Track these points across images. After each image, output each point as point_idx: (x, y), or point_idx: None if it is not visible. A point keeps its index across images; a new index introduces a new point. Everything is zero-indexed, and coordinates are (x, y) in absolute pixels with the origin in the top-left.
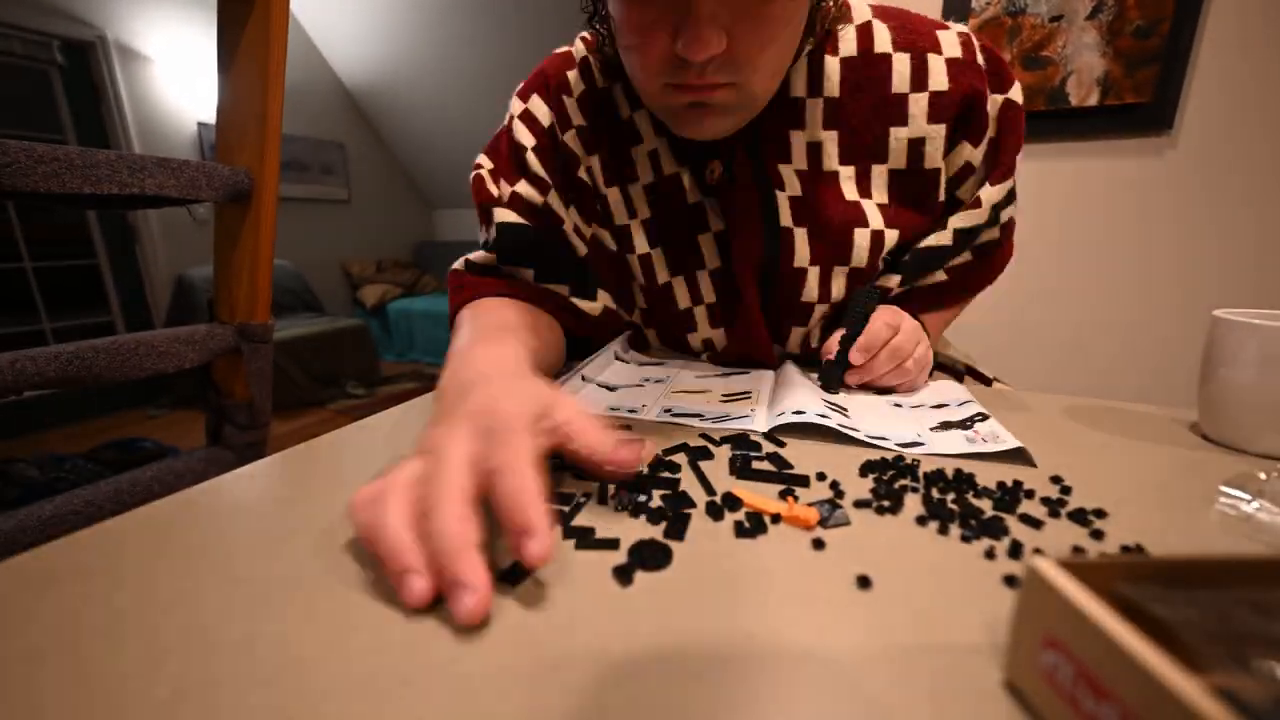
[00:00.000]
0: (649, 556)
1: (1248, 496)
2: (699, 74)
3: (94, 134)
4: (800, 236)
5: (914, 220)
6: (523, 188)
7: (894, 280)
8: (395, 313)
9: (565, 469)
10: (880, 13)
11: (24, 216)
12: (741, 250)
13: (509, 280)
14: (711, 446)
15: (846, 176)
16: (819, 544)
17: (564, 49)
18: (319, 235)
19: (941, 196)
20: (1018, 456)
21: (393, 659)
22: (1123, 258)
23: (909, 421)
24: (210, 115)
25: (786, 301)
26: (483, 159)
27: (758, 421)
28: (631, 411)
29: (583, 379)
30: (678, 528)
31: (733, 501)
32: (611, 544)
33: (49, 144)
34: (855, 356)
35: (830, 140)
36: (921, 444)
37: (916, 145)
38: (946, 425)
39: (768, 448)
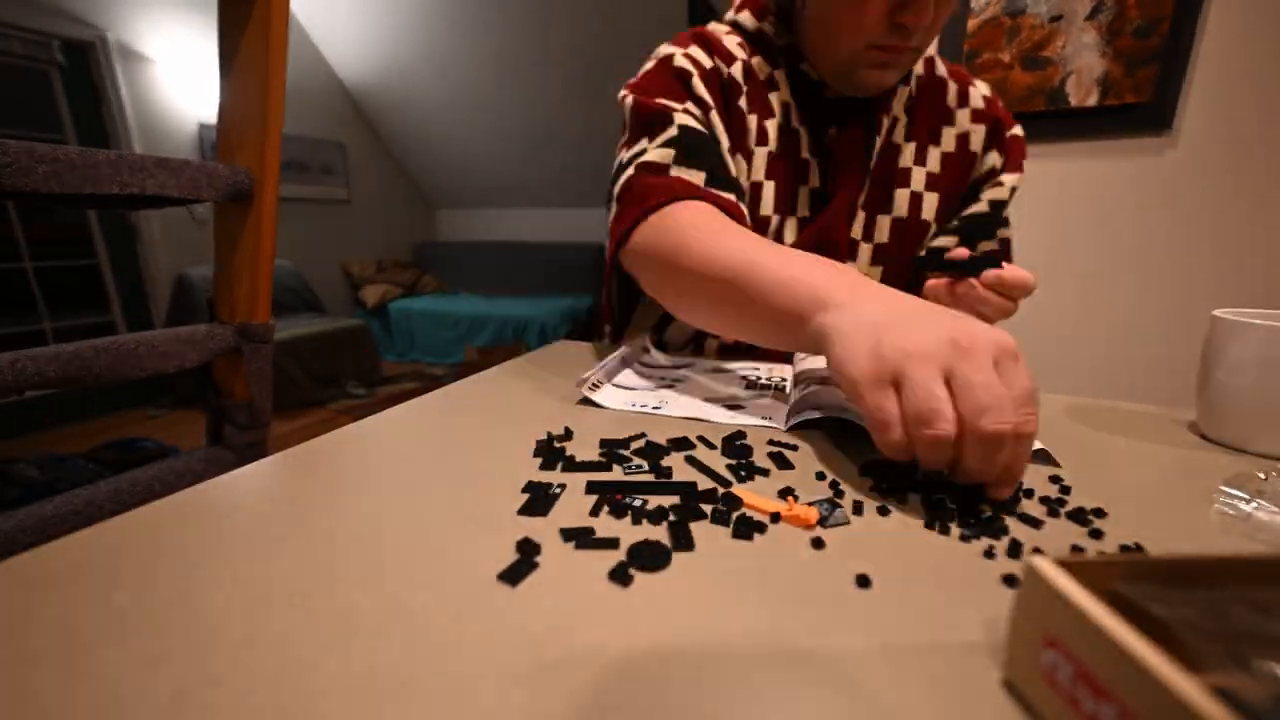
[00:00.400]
0: (648, 557)
1: (1247, 496)
2: (906, 37)
3: (94, 134)
4: (866, 185)
5: (953, 185)
6: (692, 106)
7: (951, 241)
8: (396, 313)
9: (552, 465)
10: (938, 55)
11: (24, 216)
12: (847, 189)
13: (697, 187)
14: (710, 447)
15: (908, 152)
16: (819, 544)
17: (699, 28)
18: (319, 235)
19: (971, 177)
20: (1040, 458)
21: (393, 659)
22: (1122, 257)
23: None
24: (210, 115)
25: (838, 238)
26: (629, 90)
27: (778, 419)
28: (656, 408)
29: (595, 384)
30: (683, 536)
31: (732, 501)
32: (611, 544)
33: (49, 144)
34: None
35: (902, 122)
36: None
37: (964, 137)
38: None
39: (769, 448)
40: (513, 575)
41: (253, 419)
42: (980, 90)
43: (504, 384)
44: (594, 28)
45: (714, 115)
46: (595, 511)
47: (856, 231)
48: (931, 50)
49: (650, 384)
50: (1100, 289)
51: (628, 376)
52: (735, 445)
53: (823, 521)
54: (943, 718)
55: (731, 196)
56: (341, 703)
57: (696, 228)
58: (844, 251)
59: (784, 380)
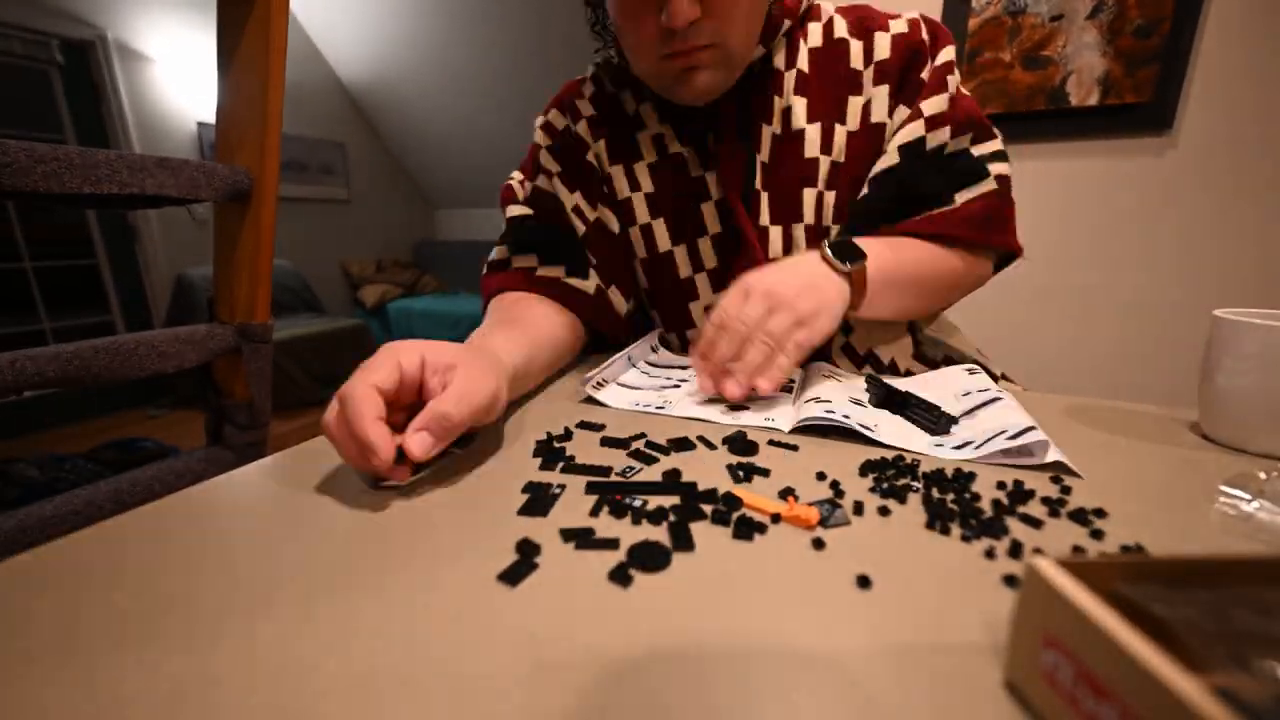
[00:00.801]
0: (648, 557)
1: (1248, 496)
2: (684, 39)
3: (94, 134)
4: (764, 200)
5: (860, 175)
6: (540, 180)
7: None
8: (395, 313)
9: (552, 465)
10: (841, 10)
11: (24, 216)
12: (735, 205)
13: (523, 273)
14: (711, 447)
15: (812, 135)
16: (819, 544)
17: (579, 76)
18: (319, 235)
19: (884, 150)
20: (1058, 468)
21: (393, 659)
22: (1122, 257)
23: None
24: (210, 115)
25: (764, 257)
26: (515, 173)
27: (782, 420)
28: (659, 408)
29: (600, 383)
30: (683, 537)
31: (732, 501)
32: (611, 544)
33: (49, 144)
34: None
35: (800, 104)
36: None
37: (866, 106)
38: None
39: (770, 449)
40: (513, 575)
41: (252, 419)
42: (893, 29)
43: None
44: None
45: (555, 181)
46: (595, 511)
47: (777, 248)
48: (831, 11)
49: (655, 384)
50: (1100, 289)
51: (633, 376)
52: (737, 445)
53: (823, 521)
54: (943, 718)
55: (554, 273)
56: (341, 703)
57: (490, 314)
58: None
59: (791, 382)
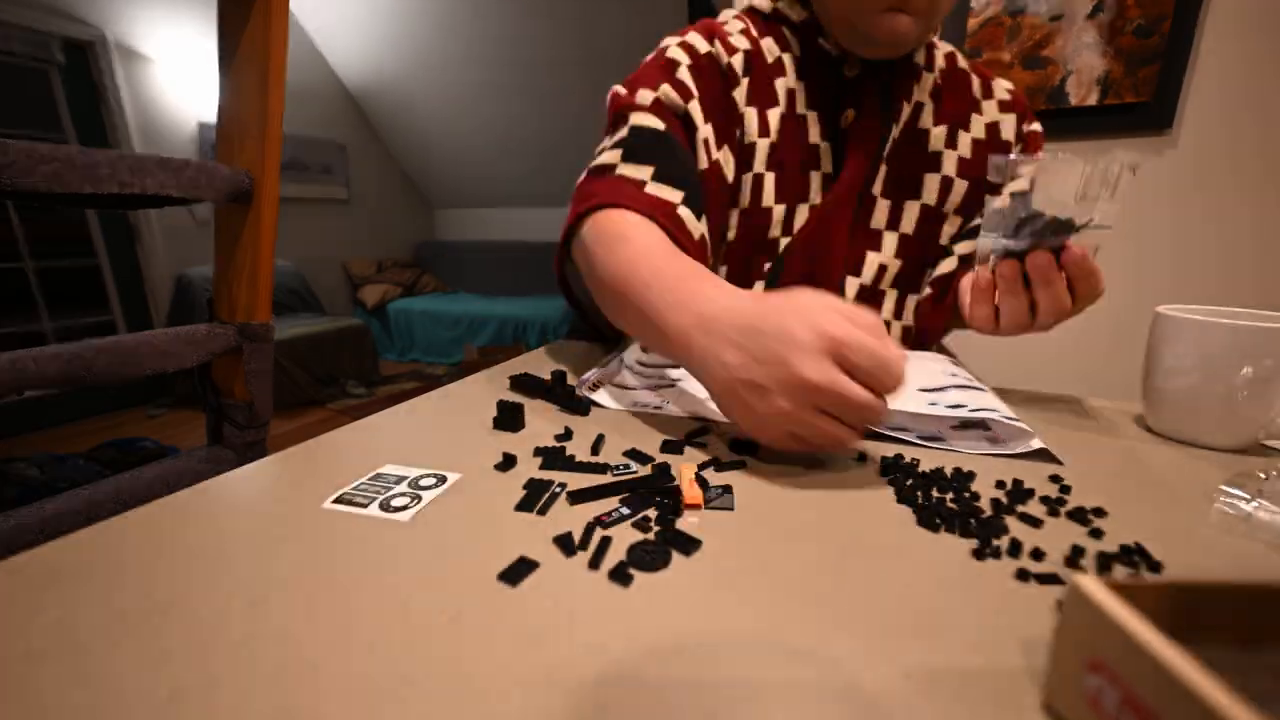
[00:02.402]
0: (648, 557)
1: (1247, 496)
2: None
3: (94, 134)
4: (881, 171)
5: (982, 175)
6: (666, 90)
7: (970, 247)
8: (395, 312)
9: (552, 467)
10: (958, 51)
11: (24, 216)
12: (852, 174)
13: (626, 182)
14: (709, 447)
15: (936, 135)
16: (819, 544)
17: (707, 19)
18: (319, 235)
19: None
20: (1041, 456)
21: (393, 659)
22: (1121, 257)
23: (930, 419)
24: (210, 115)
25: (862, 225)
26: (619, 86)
27: None
28: (658, 408)
29: (595, 385)
30: (683, 537)
31: (670, 498)
32: (610, 544)
33: (49, 144)
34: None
35: (929, 106)
36: (942, 440)
37: (993, 125)
38: (967, 424)
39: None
40: (513, 575)
41: (252, 419)
42: (1004, 84)
43: (504, 384)
44: (595, 26)
45: (694, 104)
46: (587, 535)
47: (880, 220)
48: (950, 47)
49: (649, 383)
50: None
51: (626, 377)
52: (737, 445)
53: (708, 503)
54: (943, 716)
55: (669, 195)
56: (341, 703)
57: (598, 241)
58: (843, 239)
59: None
